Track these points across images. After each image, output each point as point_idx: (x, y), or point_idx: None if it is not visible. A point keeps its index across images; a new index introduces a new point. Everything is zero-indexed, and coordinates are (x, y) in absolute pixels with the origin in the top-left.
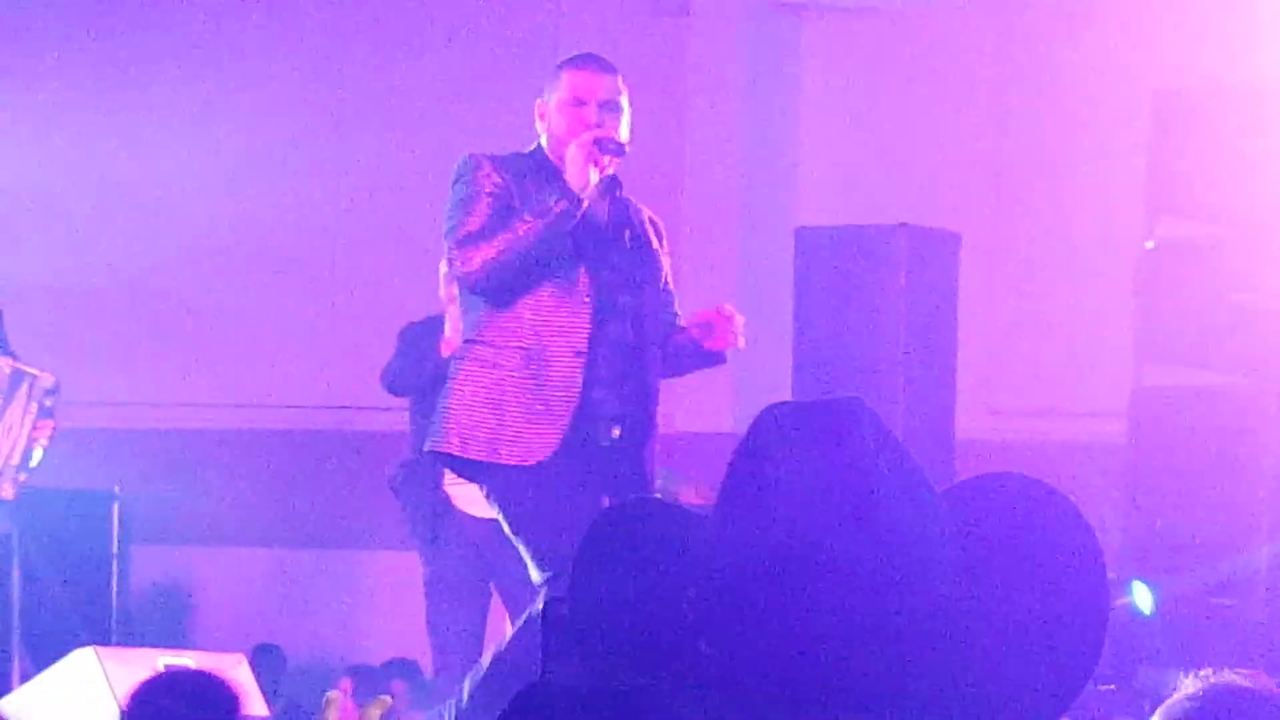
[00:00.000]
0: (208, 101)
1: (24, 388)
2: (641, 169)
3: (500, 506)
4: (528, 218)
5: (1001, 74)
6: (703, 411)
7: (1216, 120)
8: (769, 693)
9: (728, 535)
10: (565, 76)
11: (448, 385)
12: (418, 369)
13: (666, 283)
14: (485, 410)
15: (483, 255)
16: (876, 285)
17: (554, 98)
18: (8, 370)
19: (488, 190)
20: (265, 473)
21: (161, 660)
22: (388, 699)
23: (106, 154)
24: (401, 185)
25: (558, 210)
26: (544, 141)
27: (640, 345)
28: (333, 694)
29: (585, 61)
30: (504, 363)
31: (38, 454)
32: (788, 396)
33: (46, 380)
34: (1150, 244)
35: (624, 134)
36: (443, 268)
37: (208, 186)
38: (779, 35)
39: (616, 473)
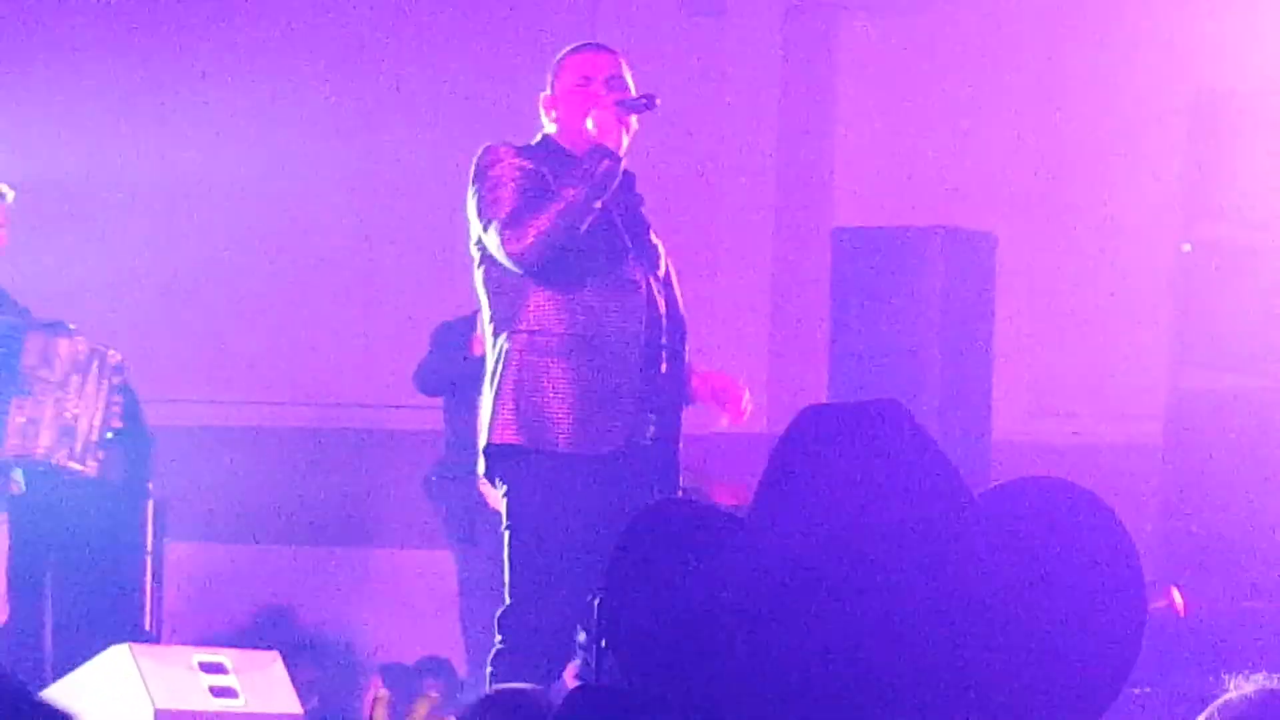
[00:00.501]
0: (234, 96)
1: (96, 364)
2: (678, 170)
3: (520, 494)
4: (571, 185)
5: (1039, 74)
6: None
7: (1256, 123)
8: (806, 693)
9: (765, 536)
10: (568, 61)
11: (498, 376)
12: (449, 368)
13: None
14: (530, 397)
15: (534, 229)
16: (913, 287)
17: (559, 84)
18: (84, 349)
19: (515, 174)
20: (297, 470)
21: (195, 658)
22: (434, 695)
23: (132, 148)
24: (432, 184)
25: (603, 167)
26: (552, 131)
27: (677, 326)
28: (383, 692)
29: (586, 45)
30: (565, 350)
31: (109, 433)
32: (823, 398)
33: (114, 357)
34: (1187, 247)
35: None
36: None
37: (233, 182)
38: (815, 35)
39: (653, 470)
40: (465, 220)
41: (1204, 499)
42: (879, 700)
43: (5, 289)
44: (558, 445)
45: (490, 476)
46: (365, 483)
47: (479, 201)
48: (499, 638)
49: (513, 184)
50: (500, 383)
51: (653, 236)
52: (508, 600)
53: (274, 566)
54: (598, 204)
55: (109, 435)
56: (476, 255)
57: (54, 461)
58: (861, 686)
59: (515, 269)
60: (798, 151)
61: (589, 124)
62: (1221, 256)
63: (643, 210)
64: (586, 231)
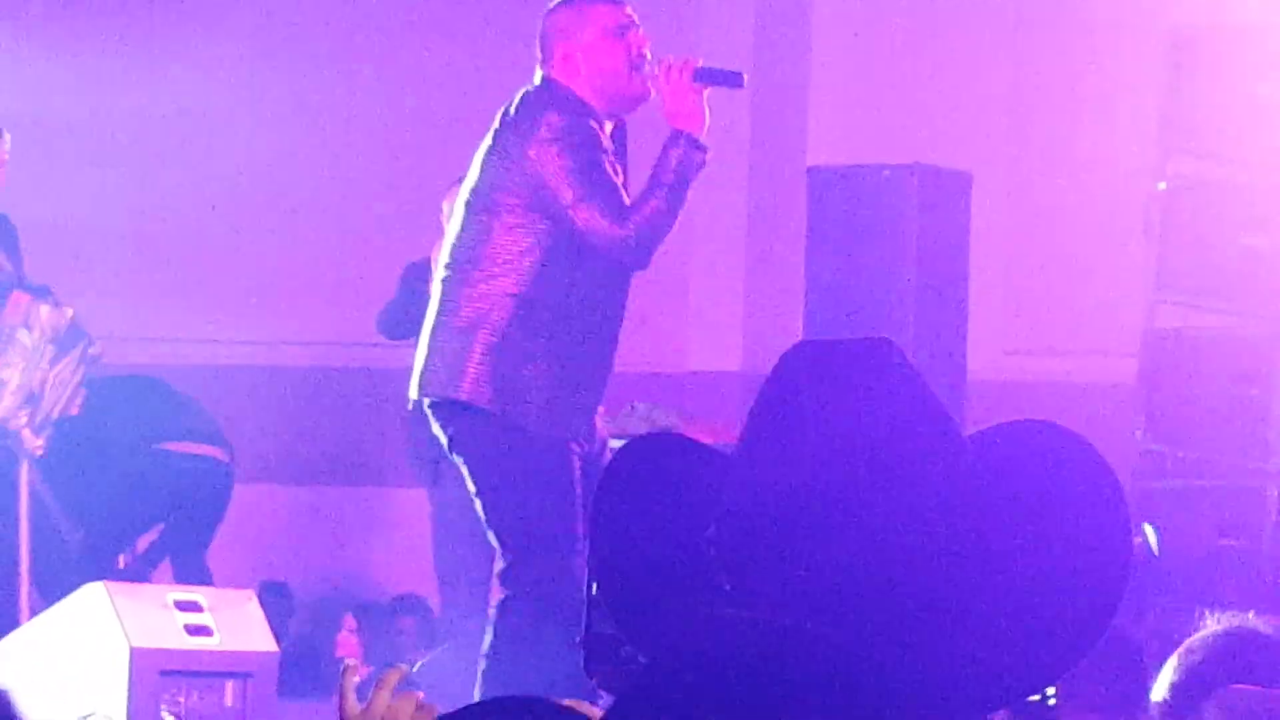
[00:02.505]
0: (224, 34)
1: (80, 347)
2: (649, 105)
3: (488, 458)
4: (662, 173)
5: (1015, 12)
6: (712, 350)
7: (1231, 61)
8: (795, 631)
9: (751, 472)
10: (595, 8)
11: (475, 332)
12: (412, 311)
13: None
14: (510, 364)
15: (657, 236)
16: (888, 225)
17: (587, 34)
18: (68, 318)
19: (604, 151)
20: (275, 409)
21: (170, 596)
22: (405, 667)
23: (118, 90)
24: (418, 126)
25: (699, 161)
26: (569, 82)
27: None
28: (351, 662)
29: None
30: (549, 326)
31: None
32: (798, 336)
33: (96, 349)
34: (1162, 185)
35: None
36: (446, 207)
37: (222, 124)
38: None
39: (594, 431)
40: (565, 186)
41: (1180, 437)
42: (868, 639)
43: (17, 233)
44: (526, 423)
45: (451, 435)
46: (342, 421)
47: (564, 173)
48: (500, 591)
49: (604, 166)
50: (466, 336)
51: None
52: (503, 560)
53: (250, 505)
54: (687, 196)
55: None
56: (488, 209)
57: (9, 426)
58: (850, 625)
59: (615, 262)
60: (772, 89)
61: (664, 89)
62: (1197, 193)
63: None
64: None
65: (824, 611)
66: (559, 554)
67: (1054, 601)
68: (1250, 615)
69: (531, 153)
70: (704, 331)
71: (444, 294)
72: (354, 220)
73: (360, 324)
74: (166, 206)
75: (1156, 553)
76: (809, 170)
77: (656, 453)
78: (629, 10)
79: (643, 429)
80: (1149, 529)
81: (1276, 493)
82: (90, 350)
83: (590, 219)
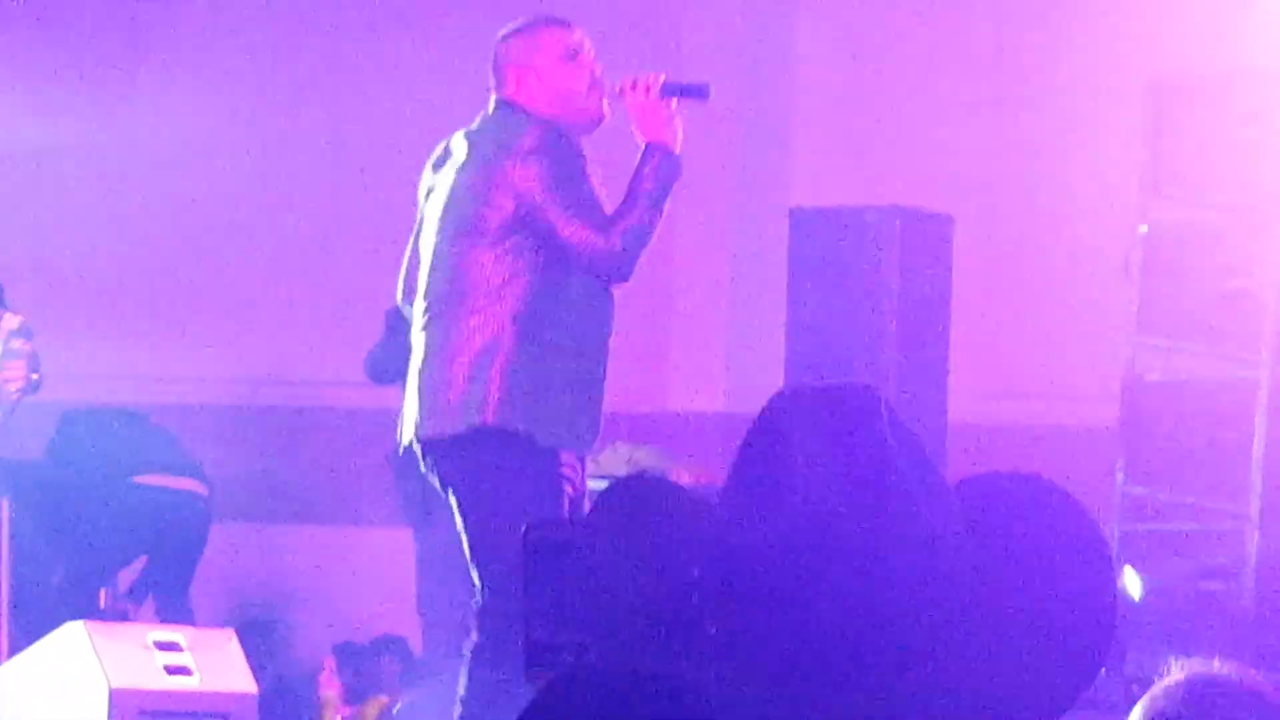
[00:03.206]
0: (208, 71)
1: (26, 361)
2: (633, 145)
3: (487, 486)
4: (642, 186)
5: (998, 56)
6: (695, 391)
7: (1211, 107)
8: (774, 677)
9: (738, 517)
10: (544, 34)
11: (488, 359)
12: (397, 354)
13: None
14: (527, 387)
15: (627, 237)
16: (870, 267)
17: (540, 59)
18: (13, 326)
19: (583, 166)
20: (258, 448)
21: (150, 636)
22: (384, 698)
23: (103, 125)
24: (399, 165)
25: (674, 172)
26: (530, 106)
27: None
28: (329, 694)
29: (552, 20)
30: (551, 343)
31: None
32: (780, 378)
33: (11, 321)
34: (1143, 229)
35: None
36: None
37: (204, 162)
38: (774, 13)
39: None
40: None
41: (1160, 480)
42: (850, 685)
43: None
44: (536, 439)
45: (450, 468)
46: (323, 461)
47: (544, 191)
48: (476, 633)
49: (585, 179)
50: (491, 366)
51: None
52: (482, 596)
53: (231, 544)
54: (666, 208)
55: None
56: (471, 234)
57: None
58: (832, 671)
59: (601, 275)
60: (755, 130)
61: (634, 110)
62: (1178, 238)
63: None
64: None
65: (810, 655)
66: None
67: (1041, 652)
68: (1215, 662)
69: (512, 170)
70: (686, 372)
71: (436, 330)
72: (336, 260)
73: (340, 364)
74: (147, 244)
75: (1138, 597)
76: (791, 211)
77: (639, 495)
78: (580, 34)
79: (624, 469)
80: (1130, 572)
81: (1257, 536)
82: (4, 324)
83: (576, 232)
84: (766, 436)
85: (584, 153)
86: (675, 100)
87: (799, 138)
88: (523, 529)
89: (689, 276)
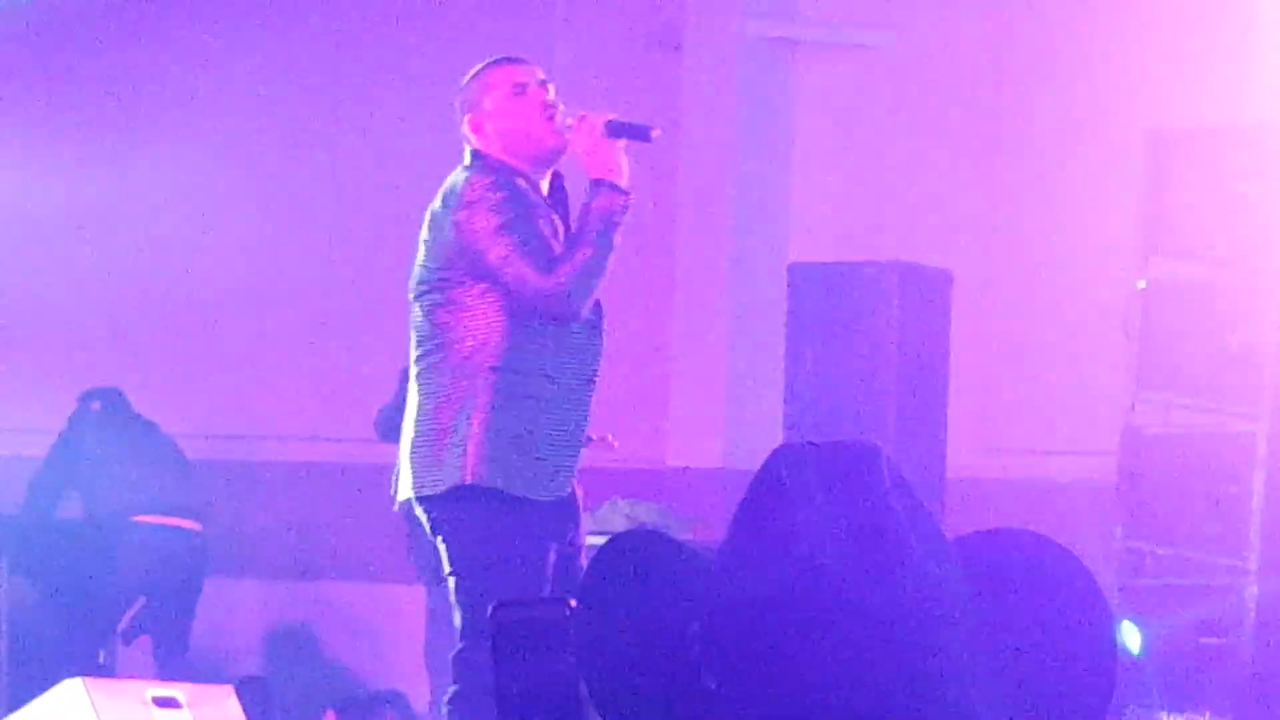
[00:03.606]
0: (204, 125)
1: None
2: (634, 203)
3: (470, 536)
4: (587, 225)
5: (995, 111)
6: (694, 446)
7: (1210, 161)
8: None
9: (738, 572)
10: (492, 76)
11: (466, 415)
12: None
13: None
14: (510, 439)
15: (572, 276)
16: (869, 322)
17: (489, 100)
18: None
19: (523, 211)
20: (257, 504)
21: (149, 692)
22: None
23: (107, 179)
24: (407, 220)
25: (620, 206)
26: (492, 150)
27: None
28: None
29: (499, 60)
30: (532, 391)
31: None
32: (779, 434)
33: None
34: (1141, 283)
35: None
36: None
37: (207, 216)
38: (772, 71)
39: (576, 510)
40: (489, 252)
41: (1159, 535)
42: None
43: None
44: (516, 488)
45: (438, 519)
46: (325, 517)
47: (483, 241)
48: (454, 683)
49: (526, 222)
50: (471, 421)
51: None
52: (461, 642)
53: (230, 600)
54: (617, 241)
55: None
56: (438, 289)
57: None
58: None
59: (548, 317)
60: (754, 186)
61: (578, 139)
62: (1177, 294)
63: None
64: None
65: (811, 710)
66: None
67: (1041, 706)
68: (1206, 715)
69: (458, 220)
70: (685, 427)
71: (421, 387)
72: (340, 315)
73: (344, 419)
74: (148, 298)
75: (1137, 652)
76: (790, 267)
77: (638, 550)
78: (528, 68)
79: (623, 525)
80: (1129, 626)
81: (1255, 590)
82: None
83: (517, 274)
84: (767, 491)
85: (534, 190)
86: (622, 139)
87: (798, 193)
88: (491, 607)
89: (688, 332)
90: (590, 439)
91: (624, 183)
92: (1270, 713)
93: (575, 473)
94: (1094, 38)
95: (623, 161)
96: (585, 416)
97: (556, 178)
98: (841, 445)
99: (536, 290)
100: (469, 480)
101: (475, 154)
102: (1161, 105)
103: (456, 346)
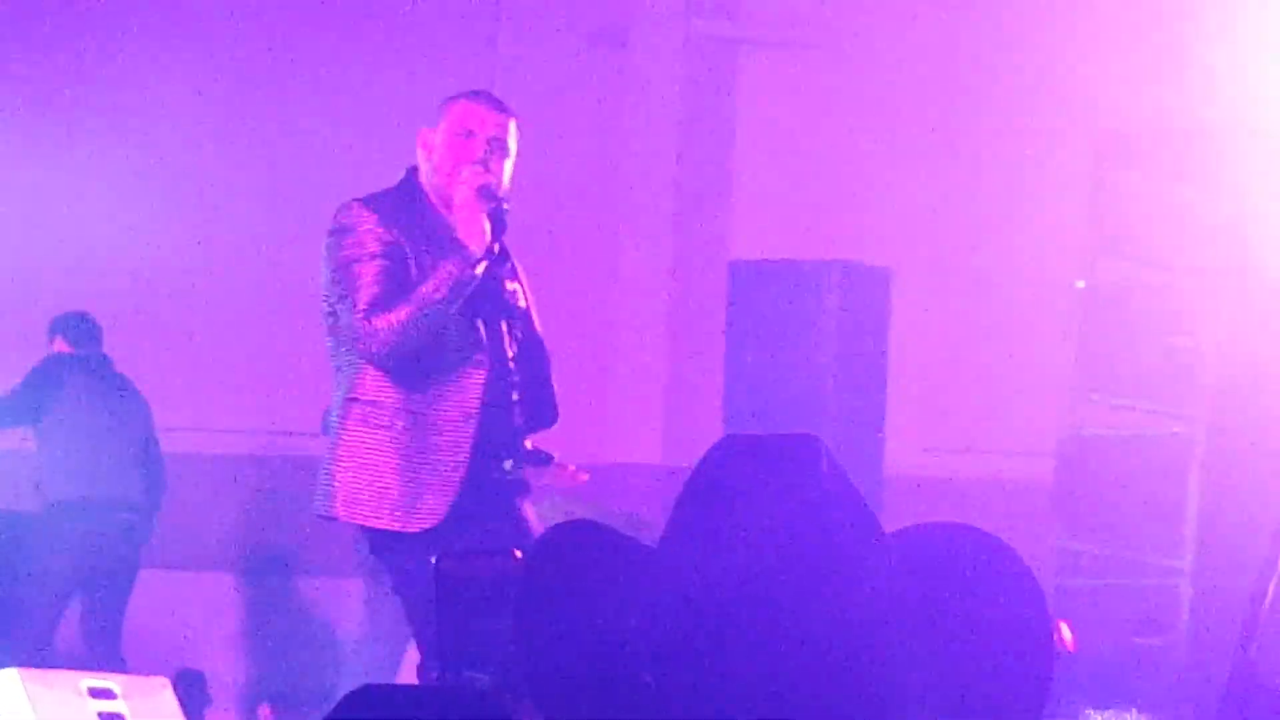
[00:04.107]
0: (165, 111)
1: None
2: (576, 201)
3: (386, 565)
4: (428, 283)
5: (939, 111)
6: (632, 443)
7: (1157, 163)
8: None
9: (676, 565)
10: (457, 107)
11: (330, 445)
12: None
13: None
14: (367, 473)
15: (388, 327)
16: (809, 319)
17: (442, 126)
18: None
19: (376, 250)
20: (200, 496)
21: (84, 683)
22: None
23: (63, 167)
24: None
25: (456, 275)
26: (423, 172)
27: (526, 372)
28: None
29: (480, 95)
30: (387, 423)
31: None
32: (719, 428)
33: None
34: (1080, 283)
35: (506, 179)
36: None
37: (168, 208)
38: (715, 68)
39: (513, 498)
40: (328, 281)
41: (1095, 535)
42: None
43: None
44: (382, 521)
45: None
46: (266, 509)
47: (335, 271)
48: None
49: (367, 266)
50: (331, 452)
51: (513, 283)
52: (419, 655)
53: (168, 593)
54: (454, 309)
55: None
56: (325, 308)
57: None
58: (765, 715)
59: (363, 355)
60: (696, 183)
61: (456, 197)
62: (1118, 294)
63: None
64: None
65: (747, 705)
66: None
67: (980, 696)
68: (1133, 712)
69: (327, 243)
70: (625, 424)
71: None
72: (293, 308)
73: (291, 413)
74: (99, 289)
75: (1072, 650)
76: (730, 264)
77: (577, 542)
78: (493, 119)
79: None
80: (1064, 627)
81: (1191, 591)
82: None
83: (345, 309)
84: (707, 483)
85: (426, 228)
86: (488, 206)
87: (739, 191)
88: (433, 560)
89: (628, 328)
90: (550, 458)
91: (478, 252)
92: (1202, 712)
93: (445, 503)
94: (1041, 40)
95: (485, 232)
96: (463, 451)
97: (496, 216)
98: (781, 438)
99: (351, 330)
100: (338, 513)
101: (410, 170)
102: (1107, 108)
103: (336, 374)
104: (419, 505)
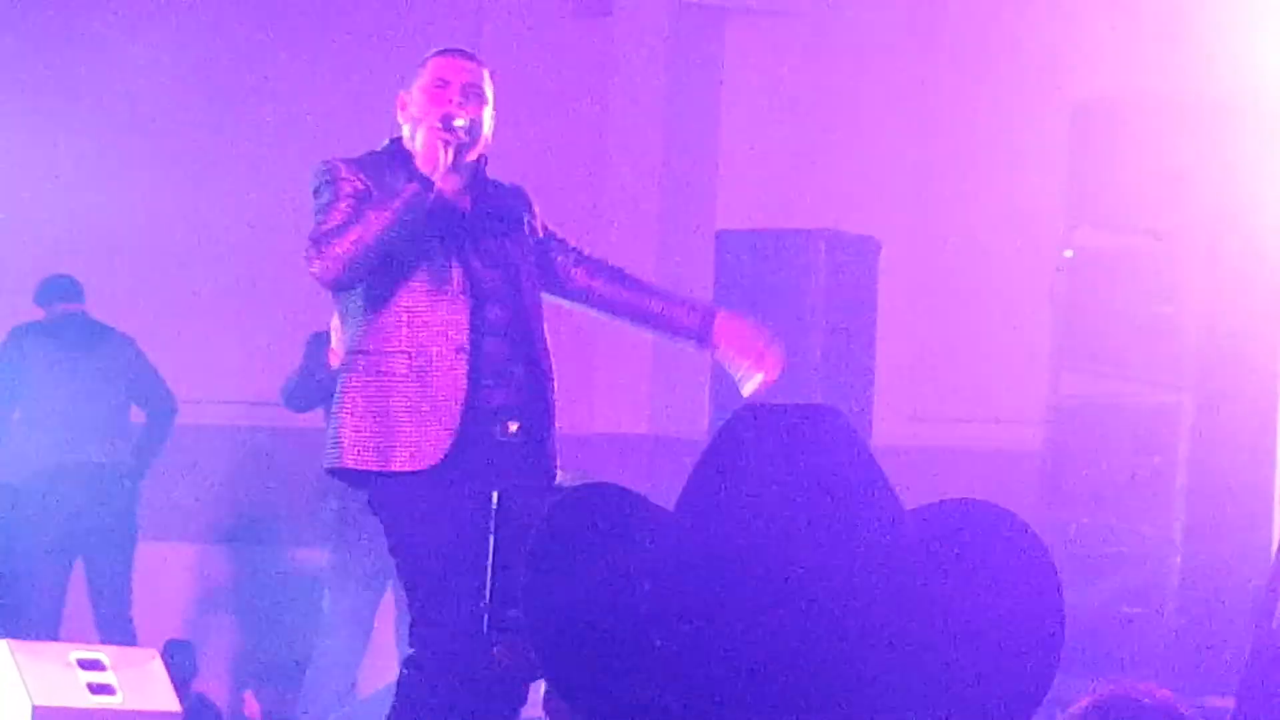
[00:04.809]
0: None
1: None
2: (562, 170)
3: (388, 518)
4: (376, 206)
5: (923, 80)
6: (619, 413)
7: (1136, 132)
8: (723, 688)
9: (692, 529)
10: (430, 62)
11: (336, 399)
12: (309, 383)
13: (552, 237)
14: (372, 419)
15: (334, 251)
16: (796, 290)
17: (417, 84)
18: None
19: (348, 192)
20: (184, 467)
21: (73, 654)
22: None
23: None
24: None
25: (406, 194)
26: (405, 133)
27: (526, 332)
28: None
29: (450, 50)
30: (387, 369)
31: None
32: (705, 400)
33: None
34: (1069, 253)
35: (486, 124)
36: None
37: (133, 181)
38: (701, 37)
39: (518, 468)
40: None
41: (1083, 504)
42: (794, 701)
43: None
44: (391, 465)
45: (369, 500)
46: (250, 480)
47: (314, 219)
48: (411, 648)
49: (336, 205)
50: (337, 405)
51: (516, 239)
52: (411, 615)
53: (158, 562)
54: (404, 228)
55: None
56: None
57: None
58: (778, 686)
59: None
60: (682, 153)
61: (416, 138)
62: (1102, 263)
63: (499, 195)
64: (408, 248)
65: (755, 673)
66: (457, 603)
67: (992, 667)
68: (1129, 683)
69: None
70: (611, 394)
71: None
72: (272, 279)
73: (270, 384)
74: (76, 262)
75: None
76: (718, 234)
77: (595, 503)
78: (466, 67)
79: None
80: None
81: (1179, 561)
82: None
83: (304, 254)
84: (727, 451)
85: (351, 180)
86: (448, 136)
87: (726, 160)
88: (494, 498)
89: None
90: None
91: (436, 179)
92: (1192, 681)
93: (449, 436)
94: (1022, 8)
95: (441, 156)
96: (459, 384)
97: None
98: (804, 408)
99: (307, 265)
100: (346, 464)
101: (394, 139)
102: (1088, 76)
103: (343, 332)
104: (423, 443)
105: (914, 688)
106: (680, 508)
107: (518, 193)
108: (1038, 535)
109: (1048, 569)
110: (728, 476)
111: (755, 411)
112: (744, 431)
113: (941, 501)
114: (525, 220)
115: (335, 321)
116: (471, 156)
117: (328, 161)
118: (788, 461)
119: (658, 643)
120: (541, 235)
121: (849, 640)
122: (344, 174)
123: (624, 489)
